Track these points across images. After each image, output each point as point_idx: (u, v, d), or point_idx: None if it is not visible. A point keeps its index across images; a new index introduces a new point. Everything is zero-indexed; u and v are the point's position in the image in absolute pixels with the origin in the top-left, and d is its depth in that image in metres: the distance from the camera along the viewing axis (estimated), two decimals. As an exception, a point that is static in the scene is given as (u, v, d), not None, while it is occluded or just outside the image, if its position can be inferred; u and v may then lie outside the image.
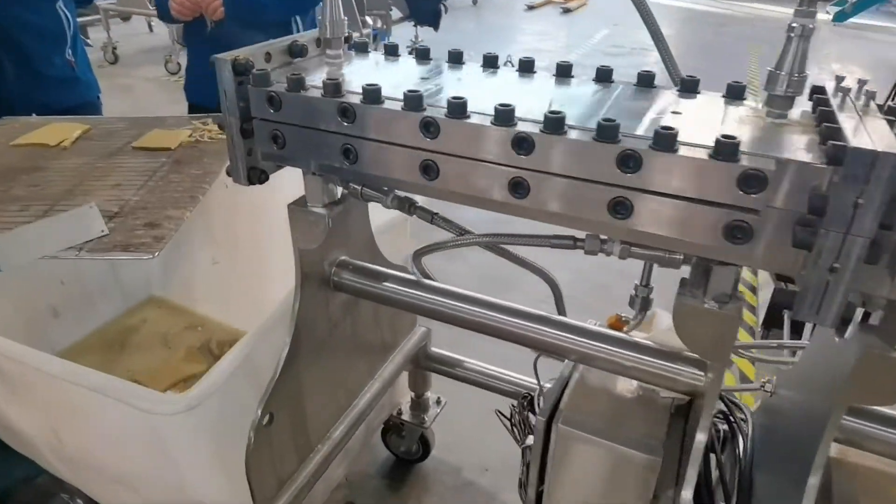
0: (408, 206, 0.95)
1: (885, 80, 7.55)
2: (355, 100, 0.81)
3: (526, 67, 0.96)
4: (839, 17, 9.71)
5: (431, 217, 0.93)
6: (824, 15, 10.23)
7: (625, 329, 1.10)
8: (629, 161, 0.68)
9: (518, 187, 0.74)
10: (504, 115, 0.72)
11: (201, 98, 2.19)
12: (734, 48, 8.84)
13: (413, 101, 0.77)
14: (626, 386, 1.02)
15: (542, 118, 0.71)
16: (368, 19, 5.64)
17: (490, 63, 0.98)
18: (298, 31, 2.10)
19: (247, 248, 2.07)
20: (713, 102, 0.83)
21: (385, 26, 5.30)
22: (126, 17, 7.32)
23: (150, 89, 5.67)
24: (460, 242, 0.93)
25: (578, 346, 0.96)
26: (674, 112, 0.78)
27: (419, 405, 1.74)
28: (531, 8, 10.60)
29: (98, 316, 2.10)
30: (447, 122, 0.75)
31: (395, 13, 5.80)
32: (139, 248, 1.28)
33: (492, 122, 0.73)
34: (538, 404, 1.45)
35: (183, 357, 1.94)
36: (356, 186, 0.99)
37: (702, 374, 0.91)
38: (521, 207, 0.76)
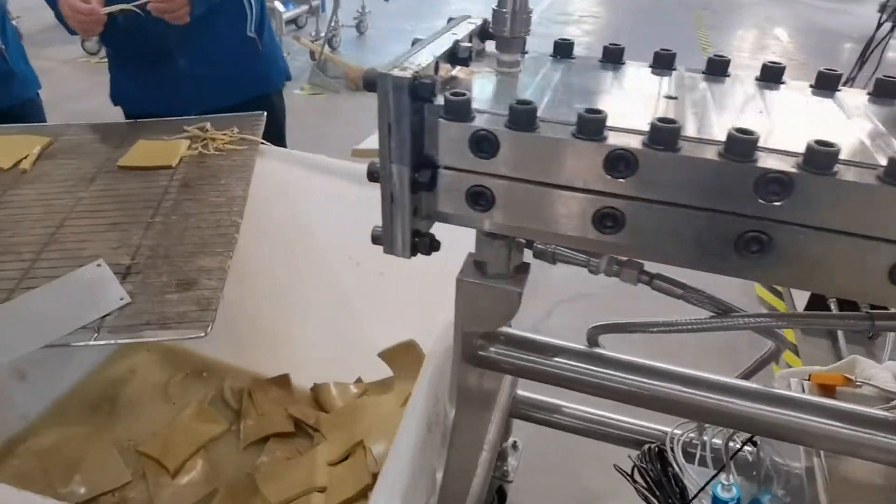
0: (636, 275, 0.68)
1: (820, 44, 7.76)
2: (632, 142, 0.52)
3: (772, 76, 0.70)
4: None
5: (682, 290, 0.67)
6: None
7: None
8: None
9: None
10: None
11: (140, 107, 1.70)
12: (677, 14, 8.84)
13: (742, 145, 0.50)
14: (881, 471, 0.81)
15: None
16: (317, -12, 5.15)
17: (719, 69, 0.71)
18: (250, 3, 1.71)
19: (257, 274, 1.72)
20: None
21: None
22: (22, -14, 6.37)
23: (69, 73, 4.96)
24: (719, 325, 0.67)
25: (847, 436, 0.74)
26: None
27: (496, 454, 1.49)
28: (469, -27, 10.17)
29: (74, 368, 1.70)
30: (804, 177, 0.49)
31: (343, -20, 5.32)
32: (182, 321, 0.95)
33: (881, 180, 0.48)
34: (674, 458, 1.24)
35: (194, 415, 1.59)
36: (544, 246, 0.71)
37: None
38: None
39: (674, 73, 0.73)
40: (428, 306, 1.52)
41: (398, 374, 1.60)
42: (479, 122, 0.56)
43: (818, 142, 0.49)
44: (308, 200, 1.52)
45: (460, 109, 0.55)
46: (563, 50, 0.75)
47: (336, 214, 1.54)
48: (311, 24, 6.00)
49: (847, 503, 0.77)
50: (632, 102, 0.63)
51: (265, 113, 1.62)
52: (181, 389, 1.69)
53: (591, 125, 0.53)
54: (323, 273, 1.62)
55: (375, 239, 0.66)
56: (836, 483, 0.79)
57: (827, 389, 0.94)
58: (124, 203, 1.24)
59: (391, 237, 0.65)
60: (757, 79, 0.71)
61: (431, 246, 0.65)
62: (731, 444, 1.14)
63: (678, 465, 1.23)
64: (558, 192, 0.56)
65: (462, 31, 0.70)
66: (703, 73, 0.73)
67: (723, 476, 1.04)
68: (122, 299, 0.97)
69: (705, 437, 1.22)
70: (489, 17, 0.77)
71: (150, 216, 1.19)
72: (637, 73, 0.73)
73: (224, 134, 1.48)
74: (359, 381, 1.68)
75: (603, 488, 1.85)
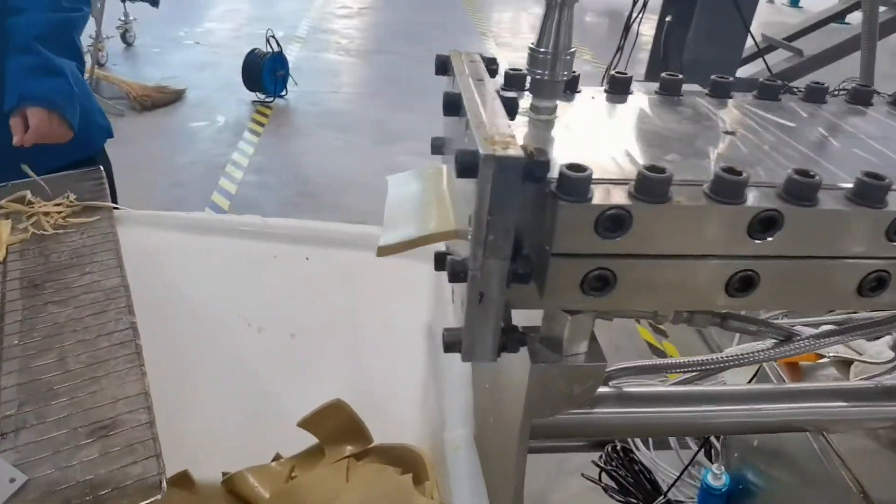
0: (709, 318, 0.64)
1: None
2: (773, 200, 0.48)
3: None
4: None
5: (756, 326, 0.64)
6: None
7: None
8: None
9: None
10: None
11: None
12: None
13: (874, 191, 0.48)
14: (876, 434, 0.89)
15: None
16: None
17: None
18: None
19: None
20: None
21: (99, 5, 4.13)
22: None
23: None
24: (779, 353, 0.66)
25: (855, 413, 0.80)
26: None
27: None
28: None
29: None
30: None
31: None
32: (121, 485, 0.71)
33: None
34: (637, 452, 1.27)
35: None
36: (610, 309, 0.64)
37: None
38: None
39: (681, 98, 0.70)
40: (351, 363, 1.37)
41: (325, 441, 1.42)
42: (602, 197, 0.46)
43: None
44: (188, 266, 1.25)
45: (581, 187, 0.45)
46: (570, 85, 0.68)
47: (225, 278, 1.29)
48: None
49: (868, 469, 0.83)
50: (705, 144, 0.58)
51: (101, 167, 1.29)
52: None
53: (732, 188, 0.47)
54: (217, 347, 1.36)
55: (450, 346, 0.53)
56: (848, 455, 0.85)
57: (793, 367, 1.02)
58: (-53, 328, 0.89)
59: (474, 341, 0.52)
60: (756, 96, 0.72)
61: (521, 341, 0.54)
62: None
63: (645, 458, 1.26)
64: (690, 262, 0.49)
65: (482, 74, 0.59)
66: (709, 94, 0.71)
67: (714, 465, 1.08)
68: (13, 481, 0.68)
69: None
70: (483, 53, 0.67)
71: (-5, 341, 0.87)
72: (647, 103, 0.68)
73: (58, 204, 1.15)
74: (278, 457, 1.46)
75: (541, 488, 1.87)
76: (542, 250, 0.48)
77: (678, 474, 1.20)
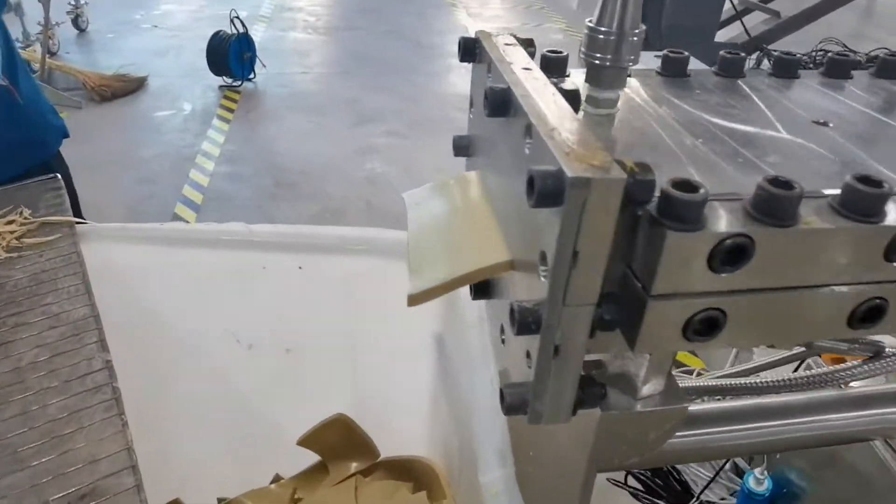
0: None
1: None
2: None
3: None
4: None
5: (848, 345, 0.56)
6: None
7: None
8: None
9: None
10: None
11: None
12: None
13: None
14: None
15: None
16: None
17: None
18: None
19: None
20: None
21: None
22: None
23: None
24: (867, 371, 0.57)
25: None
26: None
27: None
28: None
29: None
30: None
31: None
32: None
33: None
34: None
35: None
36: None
37: None
38: None
39: (745, 79, 0.60)
40: (352, 377, 1.27)
41: (328, 458, 1.32)
42: (718, 221, 0.36)
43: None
44: (165, 284, 1.13)
45: (693, 211, 0.35)
46: (674, 67, 0.57)
47: (208, 293, 1.17)
48: (11, 27, 4.76)
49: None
50: (804, 141, 0.48)
51: (58, 175, 1.15)
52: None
53: (870, 202, 0.37)
54: (204, 366, 1.24)
55: (514, 409, 0.43)
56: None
57: (837, 361, 0.94)
58: None
59: (543, 401, 0.42)
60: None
61: (601, 395, 0.44)
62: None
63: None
64: (812, 293, 0.39)
65: (528, 61, 0.48)
66: (772, 74, 0.61)
67: (756, 469, 1.01)
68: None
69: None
70: (519, 34, 0.55)
71: (-53, 392, 0.75)
72: (711, 87, 0.58)
73: (10, 222, 1.01)
74: (277, 478, 1.36)
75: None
76: (635, 291, 0.38)
77: (711, 476, 1.13)
